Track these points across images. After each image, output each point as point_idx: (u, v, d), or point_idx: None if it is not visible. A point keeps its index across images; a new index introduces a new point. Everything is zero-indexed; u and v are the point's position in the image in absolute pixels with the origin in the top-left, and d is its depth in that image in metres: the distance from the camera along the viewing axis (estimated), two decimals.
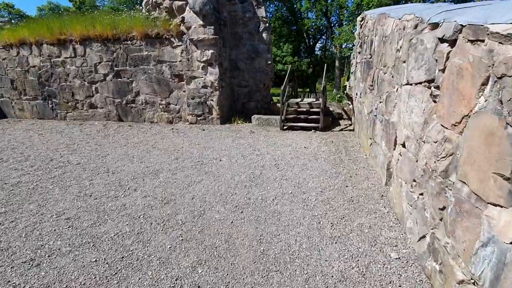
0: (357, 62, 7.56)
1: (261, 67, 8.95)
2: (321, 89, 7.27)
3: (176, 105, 8.91)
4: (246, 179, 4.38)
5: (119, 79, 9.07)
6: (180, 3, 8.20)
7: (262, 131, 7.66)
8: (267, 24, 8.59)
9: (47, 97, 9.90)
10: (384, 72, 4.25)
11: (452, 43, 2.09)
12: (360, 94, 6.41)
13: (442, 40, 2.23)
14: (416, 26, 2.91)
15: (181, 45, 8.33)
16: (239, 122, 8.69)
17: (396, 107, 3.50)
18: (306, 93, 28.75)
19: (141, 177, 4.53)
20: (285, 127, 7.79)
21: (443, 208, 2.09)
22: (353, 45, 31.40)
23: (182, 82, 8.65)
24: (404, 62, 3.22)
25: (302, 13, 36.74)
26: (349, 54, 32.87)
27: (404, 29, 3.33)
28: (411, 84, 2.92)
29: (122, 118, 9.40)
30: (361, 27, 7.10)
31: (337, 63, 34.35)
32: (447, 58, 2.15)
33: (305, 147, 6.05)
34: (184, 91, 8.66)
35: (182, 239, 2.85)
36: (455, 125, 1.98)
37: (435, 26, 2.44)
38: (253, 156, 5.49)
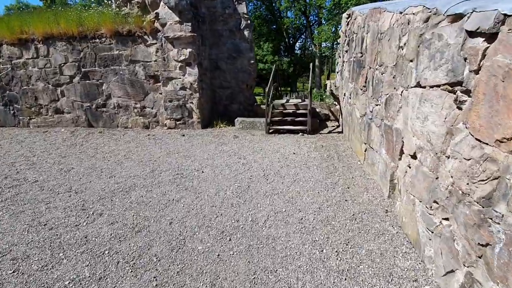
0: (344, 61, 7.20)
1: (244, 67, 8.41)
2: (308, 89, 6.83)
3: (152, 108, 8.17)
4: (233, 194, 3.84)
5: (87, 81, 8.19)
6: None
7: (247, 136, 7.13)
8: (249, 21, 8.05)
9: (8, 102, 8.84)
10: (381, 72, 3.84)
11: (491, 37, 1.66)
12: (350, 94, 6.04)
13: (473, 33, 1.80)
14: (427, 19, 2.49)
15: (155, 44, 7.60)
16: (221, 125, 8.11)
17: (400, 112, 3.09)
18: (288, 93, 28.51)
19: (110, 197, 3.87)
20: (271, 131, 7.30)
21: (486, 245, 1.66)
22: (336, 44, 31.50)
23: (158, 84, 7.93)
24: (411, 61, 2.80)
25: (281, 12, 36.49)
26: (328, 53, 33.00)
27: (408, 24, 2.91)
28: (423, 87, 2.49)
29: (92, 123, 8.53)
30: (347, 24, 6.72)
31: (317, 62, 34.44)
32: (483, 56, 1.72)
33: (294, 153, 5.58)
34: (161, 94, 7.95)
35: (156, 285, 2.27)
36: (501, 142, 1.55)
37: (457, 18, 2.01)
38: (239, 166, 4.95)
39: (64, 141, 7.12)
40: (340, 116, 7.76)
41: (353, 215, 3.21)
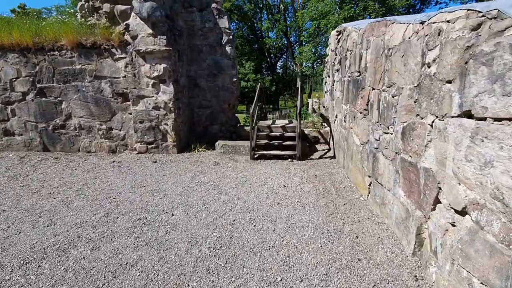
0: (334, 81, 6.60)
1: (225, 85, 7.62)
2: (293, 107, 6.10)
3: (120, 130, 7.11)
4: (210, 251, 2.88)
5: (43, 99, 7.04)
6: (124, 7, 6.63)
7: (229, 162, 6.22)
8: (231, 36, 7.37)
9: None
10: (392, 95, 3.15)
11: None
12: (345, 117, 5.36)
13: None
14: (478, 26, 1.80)
15: (124, 58, 6.67)
16: (200, 149, 7.16)
17: (430, 147, 2.35)
18: (271, 111, 28.11)
19: (38, 260, 2.78)
20: (256, 156, 6.44)
21: None
22: (317, 64, 31.67)
23: (128, 103, 6.93)
24: (448, 82, 2.09)
25: (263, 32, 36.90)
26: (309, 72, 33.34)
27: (439, 34, 2.23)
28: (479, 118, 1.76)
29: (48, 147, 7.29)
30: (338, 42, 6.17)
31: (298, 81, 34.70)
32: None
33: (284, 185, 4.73)
34: (130, 114, 6.94)
35: None
36: None
37: None
38: (219, 205, 4.01)
39: (7, 170, 5.86)
40: (331, 139, 7.08)
41: (374, 286, 2.35)
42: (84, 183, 5.02)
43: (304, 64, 33.79)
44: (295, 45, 35.91)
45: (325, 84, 8.01)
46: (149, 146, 6.97)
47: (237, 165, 6.02)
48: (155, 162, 6.31)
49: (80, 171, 5.77)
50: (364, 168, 4.14)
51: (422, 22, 2.54)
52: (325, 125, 7.73)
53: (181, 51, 7.20)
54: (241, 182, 4.93)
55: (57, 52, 6.83)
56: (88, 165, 6.20)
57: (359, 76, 4.47)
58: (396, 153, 3.02)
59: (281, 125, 7.09)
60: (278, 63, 41.53)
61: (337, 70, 6.20)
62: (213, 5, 7.19)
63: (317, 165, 5.95)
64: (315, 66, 32.35)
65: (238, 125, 8.20)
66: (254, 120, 6.65)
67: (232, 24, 38.79)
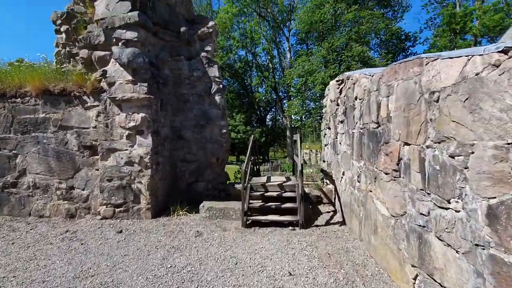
0: (337, 133, 5.75)
1: (213, 137, 6.65)
2: (294, 166, 5.09)
3: (83, 189, 5.78)
4: None
5: None
6: (102, 53, 5.92)
7: (216, 231, 4.87)
8: (221, 86, 6.66)
9: None
10: (450, 154, 2.15)
11: None
12: (358, 177, 4.32)
13: None
14: None
15: (97, 106, 5.72)
16: (181, 213, 5.81)
17: None
18: (261, 162, 27.18)
19: None
20: (249, 222, 5.14)
21: None
22: (306, 117, 31.99)
23: (96, 157, 5.75)
24: None
25: (253, 88, 38.21)
26: (298, 124, 33.63)
27: None
28: None
29: None
30: (340, 92, 5.48)
31: (288, 133, 34.77)
32: None
33: (290, 272, 3.40)
34: (98, 170, 5.71)
35: None
36: None
37: None
38: None
39: None
40: (336, 199, 5.93)
41: None
42: (11, 269, 3.53)
43: (292, 117, 34.40)
44: (284, 99, 37.00)
45: (324, 136, 7.18)
46: (117, 210, 5.59)
47: (226, 235, 4.68)
48: (120, 232, 4.89)
49: (17, 247, 4.28)
50: (402, 252, 2.94)
51: (505, 51, 1.67)
52: (327, 182, 6.65)
53: (165, 100, 6.35)
54: (230, 267, 3.56)
55: (19, 99, 5.84)
56: (32, 237, 4.71)
57: (377, 128, 3.57)
58: (476, 245, 1.90)
59: (278, 183, 5.96)
60: (268, 116, 42.33)
61: (341, 122, 5.38)
62: (203, 54, 6.63)
63: (326, 235, 4.68)
64: (303, 119, 32.87)
65: (228, 182, 7.02)
66: (247, 178, 5.52)
67: (224, 81, 40.38)
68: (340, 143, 5.54)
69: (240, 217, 5.19)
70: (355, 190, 4.53)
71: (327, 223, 5.31)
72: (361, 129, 4.19)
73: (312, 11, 27.20)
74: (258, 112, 39.33)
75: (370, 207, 3.83)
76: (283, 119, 36.59)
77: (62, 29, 7.11)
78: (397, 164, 3.02)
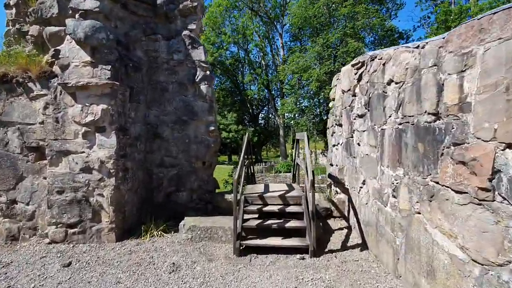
0: (353, 130, 4.56)
1: (199, 136, 5.36)
2: (308, 175, 3.86)
3: (27, 204, 4.42)
4: None
5: None
6: (56, 29, 4.60)
7: (198, 263, 3.60)
8: (208, 72, 5.38)
9: None
10: None
11: None
12: (394, 190, 3.12)
13: None
14: None
15: (45, 95, 4.36)
16: (156, 233, 4.52)
17: None
18: (254, 162, 25.92)
19: None
20: (243, 247, 3.88)
21: None
22: (299, 115, 30.95)
23: (44, 162, 4.40)
24: None
25: (245, 85, 36.93)
26: (291, 123, 32.51)
27: None
28: None
29: None
30: (359, 78, 4.29)
31: (281, 132, 33.66)
32: None
33: None
34: (46, 178, 4.35)
35: None
36: None
37: None
38: None
39: None
40: (351, 213, 4.76)
41: None
42: None
43: (286, 115, 33.27)
44: (277, 98, 35.85)
45: (332, 135, 5.98)
46: (70, 231, 4.25)
47: (212, 270, 3.41)
48: (68, 265, 3.57)
49: None
50: None
51: None
52: (338, 190, 5.46)
53: (137, 89, 5.03)
54: None
55: None
56: None
57: (435, 121, 2.38)
58: None
59: (279, 193, 4.72)
60: (260, 114, 41.11)
61: (361, 116, 4.19)
62: (185, 32, 5.33)
63: (346, 267, 3.47)
64: (297, 117, 31.80)
65: (217, 190, 5.76)
66: (240, 189, 4.27)
67: (216, 79, 38.85)
68: (358, 144, 4.35)
69: (232, 239, 3.93)
70: (386, 207, 3.34)
71: (344, 246, 4.11)
72: (399, 124, 3.00)
73: (306, 6, 26.06)
74: (251, 111, 38.10)
75: (419, 236, 2.64)
76: (276, 118, 35.45)
77: (11, 2, 5.68)
78: (490, 180, 1.83)
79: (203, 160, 5.36)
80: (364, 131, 4.09)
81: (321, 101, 29.73)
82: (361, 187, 4.24)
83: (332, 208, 5.20)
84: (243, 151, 4.59)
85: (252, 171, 6.53)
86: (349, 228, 4.78)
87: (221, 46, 33.62)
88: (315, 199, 3.69)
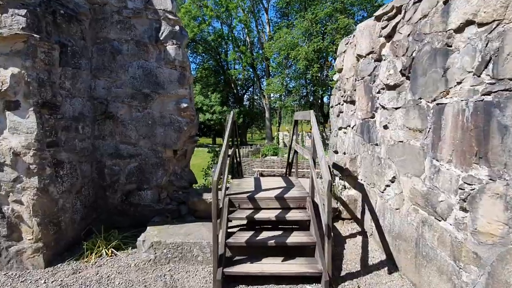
0: (375, 108, 3.36)
1: (167, 116, 3.96)
2: (324, 173, 2.64)
3: None
4: None
5: None
6: None
7: None
8: (177, 28, 3.91)
9: None
10: None
11: None
12: (465, 200, 1.98)
13: None
14: None
15: None
16: (106, 251, 3.22)
17: None
18: (238, 145, 24.18)
19: None
20: (227, 275, 2.68)
21: None
22: (286, 95, 29.82)
23: None
24: None
25: (229, 64, 34.86)
26: (279, 105, 31.20)
27: None
28: None
29: None
30: (390, 35, 3.02)
31: (266, 114, 32.33)
32: None
33: None
34: None
35: None
36: None
37: None
38: None
39: None
40: (367, 215, 3.66)
41: None
42: None
43: (272, 96, 31.79)
44: (262, 78, 34.14)
45: (338, 116, 4.77)
46: None
47: None
48: None
49: None
50: None
51: None
52: (346, 185, 4.33)
53: (75, 48, 3.51)
54: None
55: None
56: None
57: None
58: None
59: (274, 192, 3.51)
60: (245, 96, 39.39)
61: (392, 87, 2.96)
62: None
63: None
64: (283, 98, 30.46)
65: (192, 186, 4.47)
66: (224, 186, 3.01)
67: (198, 57, 36.19)
68: (384, 126, 3.16)
69: (213, 268, 2.71)
70: (443, 222, 2.21)
71: (365, 265, 3.01)
72: (485, 93, 1.79)
73: None
74: (235, 91, 36.30)
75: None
76: (262, 99, 33.89)
77: None
78: None
79: (173, 148, 4.01)
80: (397, 108, 2.88)
81: (308, 81, 28.48)
82: (388, 186, 3.10)
83: (340, 207, 4.09)
84: (227, 135, 3.26)
85: (238, 160, 5.25)
86: (363, 234, 3.70)
87: (203, 21, 31.02)
88: (331, 206, 2.50)
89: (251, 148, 22.08)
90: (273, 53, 26.54)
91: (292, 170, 4.93)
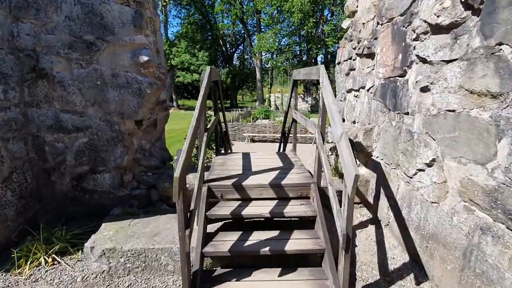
0: (408, 63, 2.39)
1: (121, 74, 2.89)
2: (316, 135, 1.88)
3: None
4: None
5: None
6: None
7: None
8: None
9: None
10: None
11: None
12: None
13: None
14: None
15: None
16: (45, 258, 2.42)
17: None
18: (228, 108, 22.62)
19: None
20: None
21: None
22: (277, 54, 28.52)
23: None
24: None
25: (217, 18, 31.76)
26: (271, 64, 29.26)
27: None
28: None
29: None
30: None
31: (257, 75, 30.49)
32: None
33: None
34: None
35: None
36: None
37: None
38: None
39: None
40: (382, 201, 2.94)
41: None
42: None
43: (263, 54, 29.63)
44: (253, 35, 31.47)
45: (347, 75, 3.78)
46: None
47: None
48: None
49: None
50: None
51: None
52: (357, 161, 3.52)
53: None
54: None
55: None
56: None
57: None
58: None
59: (269, 177, 2.68)
60: (235, 54, 36.81)
61: (448, 29, 1.98)
62: None
63: None
64: (275, 57, 28.48)
65: (166, 165, 3.57)
66: (200, 171, 2.13)
67: (183, 11, 32.49)
68: (421, 88, 2.24)
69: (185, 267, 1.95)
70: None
71: (386, 273, 2.33)
72: None
73: None
74: (224, 49, 33.75)
75: None
76: (252, 58, 31.63)
77: None
78: None
79: (135, 119, 3.03)
80: (450, 61, 1.94)
81: (302, 38, 26.38)
82: (421, 170, 2.30)
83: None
84: (200, 100, 2.25)
85: (224, 129, 4.29)
86: (376, 223, 3.01)
87: None
88: (353, 209, 1.70)
89: (241, 111, 20.96)
90: (264, 4, 23.96)
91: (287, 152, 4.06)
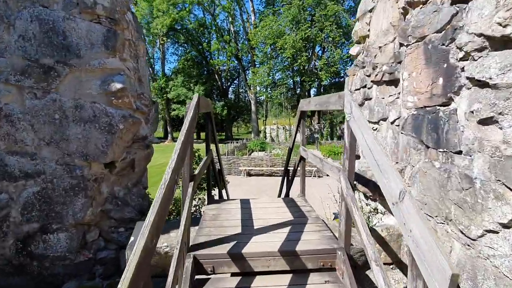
0: (458, 87, 1.83)
1: (87, 105, 2.28)
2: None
3: None
4: None
5: None
6: None
7: None
8: None
9: None
10: None
11: None
12: None
13: None
14: None
15: None
16: None
17: None
18: (223, 139, 22.07)
19: None
20: None
21: None
22: (271, 88, 28.78)
23: None
24: None
25: (213, 55, 32.73)
26: (265, 98, 29.50)
27: None
28: None
29: None
30: None
31: (253, 108, 30.63)
32: None
33: None
34: None
35: None
36: None
37: None
38: None
39: None
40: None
41: None
42: None
43: (258, 88, 29.99)
44: (247, 70, 32.23)
45: (361, 105, 3.24)
46: None
47: None
48: None
49: None
50: None
51: None
52: (381, 209, 2.84)
53: None
54: None
55: None
56: None
57: None
58: None
59: (279, 239, 1.97)
60: (230, 88, 37.43)
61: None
62: None
63: None
64: (269, 90, 28.80)
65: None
66: (182, 236, 1.41)
67: (180, 48, 33.49)
68: (480, 121, 1.65)
69: None
70: None
71: None
72: None
73: None
74: (220, 84, 34.27)
75: None
76: (247, 91, 31.99)
77: None
78: None
79: (104, 161, 2.35)
80: None
81: (295, 72, 26.95)
82: (493, 232, 1.62)
83: (376, 245, 2.60)
84: (183, 136, 1.57)
85: (217, 168, 3.60)
86: None
87: (183, 7, 28.58)
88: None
89: (237, 143, 20.41)
90: (259, 41, 24.73)
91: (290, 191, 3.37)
